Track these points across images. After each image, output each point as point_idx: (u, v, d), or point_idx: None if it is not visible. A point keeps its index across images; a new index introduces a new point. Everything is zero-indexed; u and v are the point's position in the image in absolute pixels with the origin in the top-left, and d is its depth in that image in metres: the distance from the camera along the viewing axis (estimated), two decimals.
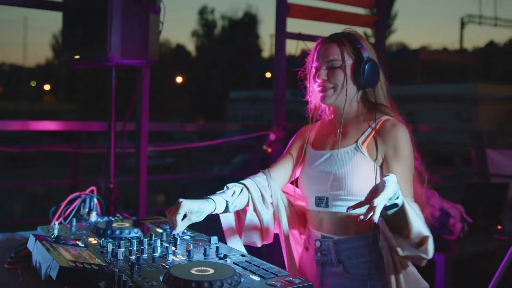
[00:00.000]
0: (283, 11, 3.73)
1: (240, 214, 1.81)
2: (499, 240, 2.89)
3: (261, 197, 1.78)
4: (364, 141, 1.70)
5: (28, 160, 18.76)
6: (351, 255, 1.68)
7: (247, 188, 1.77)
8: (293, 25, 3.77)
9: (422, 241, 1.50)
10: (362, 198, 1.44)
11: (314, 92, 1.82)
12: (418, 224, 1.49)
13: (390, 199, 1.43)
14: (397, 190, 1.43)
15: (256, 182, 1.79)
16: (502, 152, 5.27)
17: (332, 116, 1.87)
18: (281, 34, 3.76)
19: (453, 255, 2.69)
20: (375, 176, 1.66)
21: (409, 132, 1.70)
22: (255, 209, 1.77)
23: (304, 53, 1.85)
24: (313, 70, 1.78)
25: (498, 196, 3.37)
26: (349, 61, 1.72)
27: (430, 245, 1.51)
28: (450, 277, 2.62)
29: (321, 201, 1.72)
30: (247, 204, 1.77)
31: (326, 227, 1.72)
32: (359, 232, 1.66)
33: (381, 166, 1.68)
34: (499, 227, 3.11)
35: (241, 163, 16.77)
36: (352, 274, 1.67)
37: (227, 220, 1.80)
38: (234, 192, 1.73)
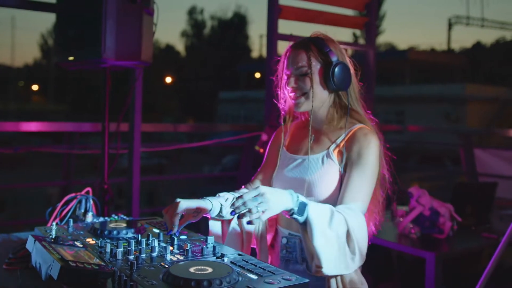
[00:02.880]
0: (275, 12, 3.76)
1: (225, 223, 1.84)
2: (488, 239, 2.94)
3: None
4: (335, 149, 1.72)
5: (16, 162, 18.60)
6: None
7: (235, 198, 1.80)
8: (285, 26, 3.81)
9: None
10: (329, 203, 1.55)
11: (286, 99, 1.83)
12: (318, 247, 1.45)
13: (290, 210, 1.45)
14: (289, 202, 1.44)
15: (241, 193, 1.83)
16: (490, 152, 5.35)
17: (304, 119, 1.87)
18: (273, 36, 3.79)
19: (443, 253, 2.72)
20: (339, 180, 1.69)
21: (379, 140, 1.72)
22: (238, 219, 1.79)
23: (276, 59, 1.85)
24: (285, 77, 1.78)
25: (486, 195, 3.42)
26: (317, 66, 1.71)
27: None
28: (440, 275, 2.66)
29: None
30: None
31: (295, 226, 1.73)
32: None
33: (345, 171, 1.69)
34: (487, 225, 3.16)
35: (230, 164, 16.79)
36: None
37: (214, 228, 1.83)
38: (227, 199, 1.76)
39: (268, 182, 1.88)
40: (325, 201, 1.65)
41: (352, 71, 1.76)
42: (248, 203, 1.41)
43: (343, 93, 1.75)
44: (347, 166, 1.68)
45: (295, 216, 1.47)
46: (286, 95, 1.81)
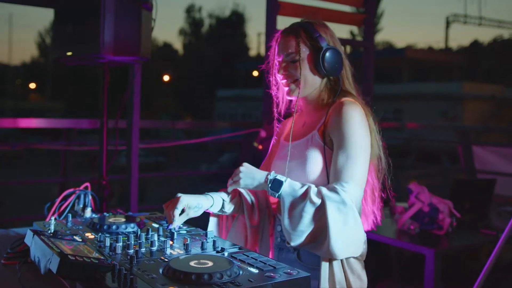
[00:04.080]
0: (274, 9, 3.75)
1: (225, 220, 1.81)
2: (487, 235, 2.94)
3: (250, 205, 1.77)
4: (319, 129, 1.67)
5: (13, 159, 18.56)
6: None
7: (240, 195, 1.77)
8: (283, 23, 3.80)
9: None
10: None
11: (278, 85, 1.80)
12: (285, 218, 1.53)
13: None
14: (263, 178, 1.59)
15: (247, 190, 1.79)
16: (488, 149, 5.35)
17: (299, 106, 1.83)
18: (272, 32, 3.76)
19: (442, 249, 2.72)
20: (323, 160, 1.63)
21: (362, 110, 1.64)
22: (243, 215, 1.76)
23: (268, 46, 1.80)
24: (276, 63, 1.75)
25: (485, 191, 3.42)
26: (306, 53, 1.68)
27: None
28: (439, 271, 2.66)
29: None
30: (237, 210, 1.77)
31: None
32: None
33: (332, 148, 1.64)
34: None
35: (228, 162, 16.78)
36: (305, 262, 1.64)
37: (213, 225, 1.79)
38: (229, 195, 1.74)
39: None
40: (316, 182, 1.61)
41: (343, 55, 1.71)
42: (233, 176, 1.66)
43: (335, 78, 1.72)
44: (333, 143, 1.63)
45: (270, 192, 1.58)
46: (278, 82, 1.78)
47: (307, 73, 1.69)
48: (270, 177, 1.59)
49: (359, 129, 1.61)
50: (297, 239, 1.51)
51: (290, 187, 1.56)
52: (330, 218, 1.47)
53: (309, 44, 1.68)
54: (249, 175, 1.63)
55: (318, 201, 1.50)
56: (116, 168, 3.41)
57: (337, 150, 1.60)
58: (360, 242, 1.56)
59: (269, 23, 3.79)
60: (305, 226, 1.50)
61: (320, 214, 1.49)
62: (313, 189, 1.53)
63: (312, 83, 1.71)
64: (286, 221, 1.53)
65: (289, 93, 1.73)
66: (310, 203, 1.50)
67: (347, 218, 1.49)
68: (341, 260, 1.57)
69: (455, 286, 3.38)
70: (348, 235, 1.50)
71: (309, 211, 1.50)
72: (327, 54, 1.66)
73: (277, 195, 1.56)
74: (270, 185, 1.57)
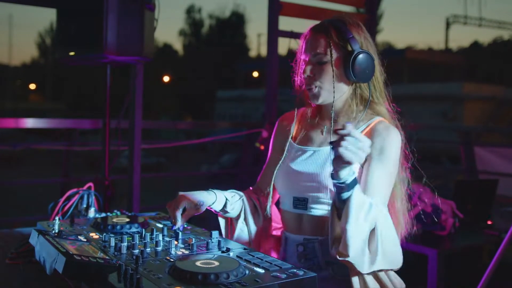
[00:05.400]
0: (275, 9, 3.76)
1: (232, 222, 1.76)
2: (490, 235, 2.94)
3: (253, 208, 1.72)
4: None
5: (14, 160, 18.55)
6: None
7: (242, 197, 1.71)
8: (285, 23, 3.80)
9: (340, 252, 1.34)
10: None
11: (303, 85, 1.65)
12: (351, 226, 1.32)
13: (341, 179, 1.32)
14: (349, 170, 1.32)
15: (249, 194, 1.74)
16: (490, 150, 5.35)
17: (314, 108, 1.69)
18: (273, 33, 3.78)
19: (445, 250, 2.73)
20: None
21: (401, 137, 1.58)
22: (245, 219, 1.71)
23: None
24: (302, 63, 1.61)
25: (487, 192, 3.42)
26: (336, 55, 1.54)
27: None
28: (442, 271, 2.66)
29: (299, 202, 1.59)
30: (239, 214, 1.71)
31: (308, 229, 1.59)
32: None
33: (363, 166, 1.53)
34: (489, 222, 3.16)
35: (228, 163, 16.79)
36: (343, 276, 1.50)
37: (223, 226, 1.76)
38: (234, 195, 1.68)
39: (271, 177, 1.69)
40: None
41: (376, 61, 1.59)
42: (350, 138, 1.26)
43: (364, 85, 1.59)
44: (367, 160, 1.51)
45: (341, 186, 1.33)
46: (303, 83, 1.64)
47: (334, 77, 1.55)
48: (351, 170, 1.33)
49: (397, 153, 1.55)
50: (346, 248, 1.33)
51: (360, 194, 1.36)
52: (380, 232, 1.37)
53: (340, 45, 1.55)
54: (356, 154, 1.28)
55: (373, 222, 1.37)
56: (118, 169, 3.41)
57: (374, 167, 1.51)
58: (400, 255, 1.46)
59: (270, 23, 3.79)
60: (360, 235, 1.34)
61: (370, 234, 1.37)
62: (374, 206, 1.38)
63: (338, 89, 1.57)
64: (348, 226, 1.33)
65: (311, 99, 1.60)
66: (371, 222, 1.36)
67: (389, 232, 1.41)
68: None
69: (458, 286, 3.37)
70: (391, 250, 1.41)
71: (369, 219, 1.36)
72: (358, 59, 1.52)
73: (346, 196, 1.34)
74: (349, 182, 1.33)
